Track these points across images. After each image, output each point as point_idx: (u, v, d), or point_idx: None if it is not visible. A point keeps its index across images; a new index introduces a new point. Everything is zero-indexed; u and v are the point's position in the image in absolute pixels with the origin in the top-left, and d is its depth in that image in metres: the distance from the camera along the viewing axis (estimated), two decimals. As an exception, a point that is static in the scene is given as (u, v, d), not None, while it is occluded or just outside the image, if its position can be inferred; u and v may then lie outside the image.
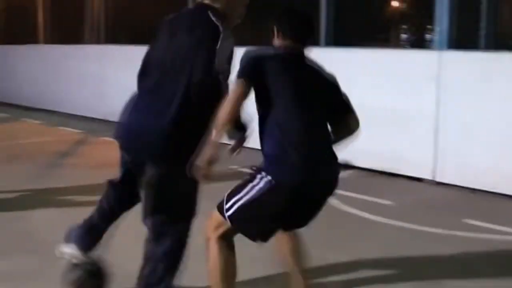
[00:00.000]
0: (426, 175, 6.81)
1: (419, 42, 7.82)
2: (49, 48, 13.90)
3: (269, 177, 3.05)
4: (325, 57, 3.45)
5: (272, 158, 3.12)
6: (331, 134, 3.30)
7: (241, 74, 3.10)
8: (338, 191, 3.27)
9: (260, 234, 3.19)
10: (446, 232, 5.16)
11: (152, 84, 3.33)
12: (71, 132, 10.22)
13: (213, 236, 3.19)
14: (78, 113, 12.08)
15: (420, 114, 6.84)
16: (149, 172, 3.27)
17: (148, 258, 3.37)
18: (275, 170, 3.07)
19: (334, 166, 3.24)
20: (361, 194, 6.18)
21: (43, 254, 4.50)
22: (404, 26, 8.84)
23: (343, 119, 3.35)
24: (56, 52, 13.42)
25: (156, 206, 3.33)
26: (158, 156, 3.26)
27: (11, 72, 14.89)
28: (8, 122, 12.32)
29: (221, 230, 3.17)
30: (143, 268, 3.39)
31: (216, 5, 3.38)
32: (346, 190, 5.83)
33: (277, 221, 3.19)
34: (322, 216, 3.28)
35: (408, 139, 6.95)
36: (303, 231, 3.40)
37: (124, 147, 3.48)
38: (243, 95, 3.05)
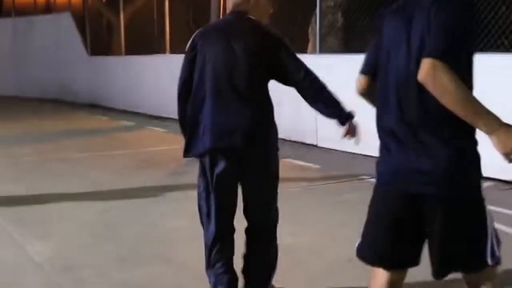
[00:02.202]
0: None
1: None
2: (173, 57, 14.13)
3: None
4: None
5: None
6: None
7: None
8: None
9: (381, 257, 2.72)
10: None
11: None
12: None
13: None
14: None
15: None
16: None
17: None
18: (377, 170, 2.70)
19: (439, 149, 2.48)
20: (506, 209, 5.77)
21: (178, 263, 4.50)
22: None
23: None
24: (179, 61, 13.60)
25: None
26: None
27: (136, 81, 15.29)
28: (134, 130, 12.66)
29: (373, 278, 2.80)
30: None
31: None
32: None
33: (393, 239, 2.66)
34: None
35: None
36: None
37: None
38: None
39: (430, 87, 2.31)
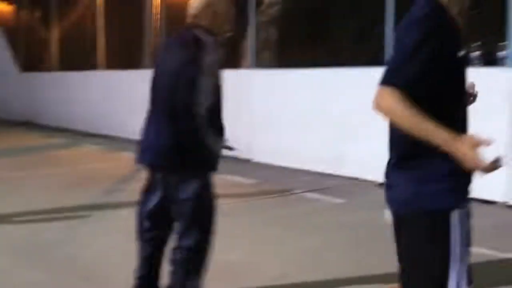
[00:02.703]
0: (499, 198, 6.51)
1: (490, 60, 7.57)
2: (107, 73, 14.02)
3: None
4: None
5: None
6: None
7: None
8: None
9: None
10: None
11: None
12: (129, 157, 10.23)
13: None
14: (136, 138, 12.04)
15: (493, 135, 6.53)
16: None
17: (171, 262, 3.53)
18: None
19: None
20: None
21: (108, 284, 4.43)
22: (476, 43, 8.57)
23: None
24: (114, 77, 13.53)
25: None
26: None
27: (71, 97, 15.06)
28: (68, 147, 12.45)
29: None
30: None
31: (202, 23, 3.51)
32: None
33: None
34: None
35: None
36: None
37: None
38: None
39: (382, 115, 2.26)
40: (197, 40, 3.42)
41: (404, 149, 2.37)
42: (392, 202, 2.45)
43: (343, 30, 11.84)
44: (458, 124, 2.38)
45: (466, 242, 2.36)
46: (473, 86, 2.71)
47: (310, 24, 12.09)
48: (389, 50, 7.84)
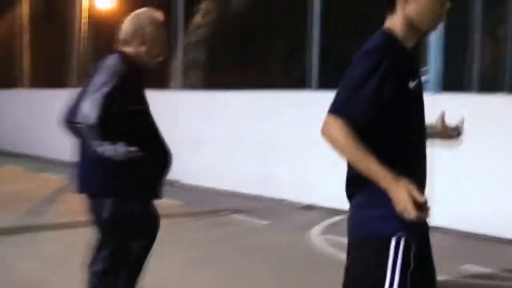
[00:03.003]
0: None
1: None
2: (32, 92, 13.73)
3: None
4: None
5: None
6: None
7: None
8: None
9: None
10: (445, 278, 4.97)
11: None
12: (53, 178, 10.00)
13: None
14: (61, 159, 11.87)
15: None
16: None
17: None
18: None
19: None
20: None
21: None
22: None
23: None
24: (39, 96, 13.26)
25: None
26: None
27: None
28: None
29: None
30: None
31: (127, 49, 3.42)
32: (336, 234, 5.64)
33: None
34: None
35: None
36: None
37: None
38: None
39: (327, 143, 2.28)
40: (110, 67, 3.33)
41: (354, 174, 2.35)
42: (348, 226, 2.48)
43: (271, 52, 11.98)
44: (413, 155, 2.44)
45: (412, 268, 2.33)
46: (462, 122, 2.83)
47: (238, 46, 12.18)
48: (313, 74, 7.92)
